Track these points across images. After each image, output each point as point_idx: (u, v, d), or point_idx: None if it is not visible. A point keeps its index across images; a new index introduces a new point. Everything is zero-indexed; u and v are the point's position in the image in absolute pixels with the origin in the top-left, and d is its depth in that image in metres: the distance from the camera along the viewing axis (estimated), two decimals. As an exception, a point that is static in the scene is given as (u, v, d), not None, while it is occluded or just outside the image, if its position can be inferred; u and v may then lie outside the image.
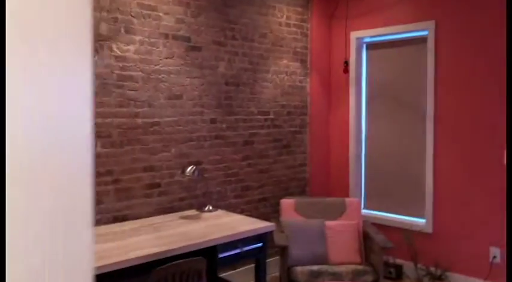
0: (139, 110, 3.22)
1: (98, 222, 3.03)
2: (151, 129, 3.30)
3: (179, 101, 3.45)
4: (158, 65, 3.32)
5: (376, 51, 4.44)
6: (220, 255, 2.84)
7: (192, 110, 3.53)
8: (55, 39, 0.71)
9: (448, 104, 3.87)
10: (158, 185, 3.35)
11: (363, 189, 4.58)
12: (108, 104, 3.06)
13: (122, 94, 3.13)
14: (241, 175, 3.92)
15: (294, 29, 4.32)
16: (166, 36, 3.35)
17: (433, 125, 3.96)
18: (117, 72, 3.10)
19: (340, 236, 3.58)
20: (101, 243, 2.62)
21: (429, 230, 4.00)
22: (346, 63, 4.52)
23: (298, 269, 3.35)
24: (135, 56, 3.19)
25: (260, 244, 3.07)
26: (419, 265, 4.05)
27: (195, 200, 3.58)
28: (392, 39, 4.29)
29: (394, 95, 4.32)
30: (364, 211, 4.44)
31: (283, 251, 3.34)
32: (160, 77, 3.33)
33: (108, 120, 3.07)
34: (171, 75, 3.40)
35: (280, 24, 4.18)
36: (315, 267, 3.36)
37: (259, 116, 4.04)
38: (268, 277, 3.87)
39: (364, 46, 4.52)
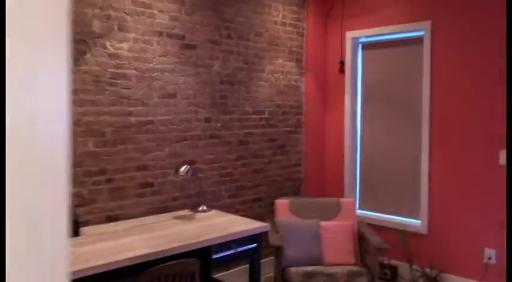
0: (132, 108, 3.18)
1: (91, 222, 2.98)
2: (145, 128, 3.26)
3: (173, 99, 3.41)
4: (152, 63, 3.28)
5: (372, 51, 4.42)
6: (214, 256, 2.80)
7: (186, 109, 3.50)
8: (31, 37, 0.70)
9: (444, 105, 3.85)
10: (151, 185, 3.32)
11: (358, 190, 4.56)
12: (101, 103, 3.02)
13: (115, 92, 3.09)
14: (236, 175, 3.88)
15: (290, 29, 4.29)
16: (160, 34, 3.31)
17: (428, 125, 3.94)
18: (110, 70, 3.06)
19: (335, 236, 3.56)
20: (93, 244, 2.58)
21: (424, 231, 3.98)
22: (342, 63, 4.50)
23: (293, 269, 3.32)
24: (129, 54, 3.15)
25: (254, 245, 3.04)
26: (414, 266, 4.03)
27: (189, 200, 3.54)
28: (388, 39, 4.27)
29: (390, 95, 4.30)
30: (359, 212, 4.41)
31: (277, 251, 3.31)
32: (154, 75, 3.29)
33: (101, 118, 3.02)
34: (165, 74, 3.36)
35: (275, 23, 4.15)
36: (310, 268, 3.33)
37: (254, 116, 4.01)
38: (262, 277, 3.84)
39: (360, 46, 4.50)
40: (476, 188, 3.69)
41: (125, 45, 3.12)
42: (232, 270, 3.81)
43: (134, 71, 3.18)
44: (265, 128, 4.11)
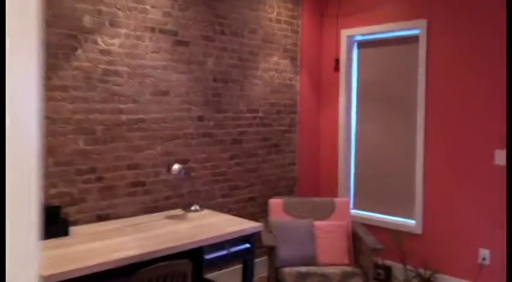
0: (123, 106, 3.12)
1: (80, 221, 2.92)
2: (136, 126, 3.20)
3: (165, 97, 3.35)
4: (144, 59, 3.22)
5: (368, 49, 4.38)
6: (207, 257, 2.75)
7: (178, 107, 3.44)
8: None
9: (439, 104, 3.83)
10: (143, 184, 3.26)
11: (352, 189, 4.53)
12: (92, 100, 2.95)
13: (106, 89, 3.02)
14: (229, 174, 3.83)
15: (285, 26, 4.24)
16: (152, 30, 3.25)
17: (423, 125, 3.91)
18: (101, 66, 2.99)
19: (329, 236, 3.52)
20: (83, 244, 2.52)
21: (419, 231, 3.96)
22: (337, 61, 4.46)
23: (286, 270, 3.28)
24: (120, 50, 3.08)
25: (248, 245, 2.99)
26: (408, 267, 4.01)
27: (181, 199, 3.49)
28: (383, 37, 4.23)
29: (385, 94, 4.26)
30: (353, 211, 4.38)
31: (271, 251, 3.27)
32: (146, 72, 3.23)
33: (92, 116, 2.96)
34: (157, 71, 3.30)
35: (270, 20, 4.10)
36: (303, 269, 3.29)
37: (248, 114, 3.95)
38: (255, 277, 3.80)
39: (355, 44, 4.47)
40: (471, 188, 3.67)
41: (116, 41, 3.06)
42: (224, 270, 3.76)
43: (126, 68, 3.12)
44: (259, 127, 4.06)
